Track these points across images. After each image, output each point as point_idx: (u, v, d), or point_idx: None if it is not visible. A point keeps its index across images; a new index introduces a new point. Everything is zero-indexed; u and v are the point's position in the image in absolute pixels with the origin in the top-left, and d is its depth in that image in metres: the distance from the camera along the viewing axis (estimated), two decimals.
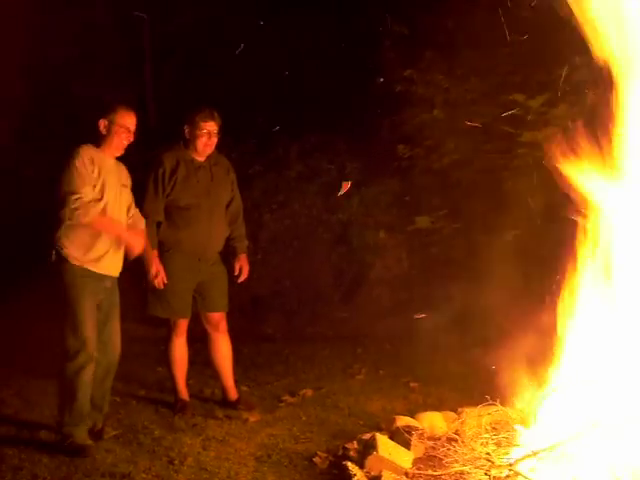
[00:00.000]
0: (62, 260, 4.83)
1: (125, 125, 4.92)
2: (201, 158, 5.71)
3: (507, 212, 7.56)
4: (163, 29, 11.04)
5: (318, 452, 4.82)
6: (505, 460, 4.28)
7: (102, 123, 4.90)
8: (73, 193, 4.72)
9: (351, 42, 9.46)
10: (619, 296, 4.45)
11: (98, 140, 4.92)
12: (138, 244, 5.05)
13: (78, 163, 4.76)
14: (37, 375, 6.46)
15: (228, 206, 5.90)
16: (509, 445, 4.53)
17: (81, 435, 4.82)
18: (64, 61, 10.33)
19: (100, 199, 4.84)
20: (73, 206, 4.71)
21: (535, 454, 4.16)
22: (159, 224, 5.64)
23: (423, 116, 8.68)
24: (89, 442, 4.84)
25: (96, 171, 4.83)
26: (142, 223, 5.29)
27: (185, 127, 5.64)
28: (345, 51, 9.50)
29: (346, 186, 5.22)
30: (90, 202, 4.76)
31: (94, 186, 4.82)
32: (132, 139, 4.99)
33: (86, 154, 4.82)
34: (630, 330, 4.36)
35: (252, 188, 9.26)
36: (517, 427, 4.71)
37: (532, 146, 7.72)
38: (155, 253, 5.56)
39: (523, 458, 4.19)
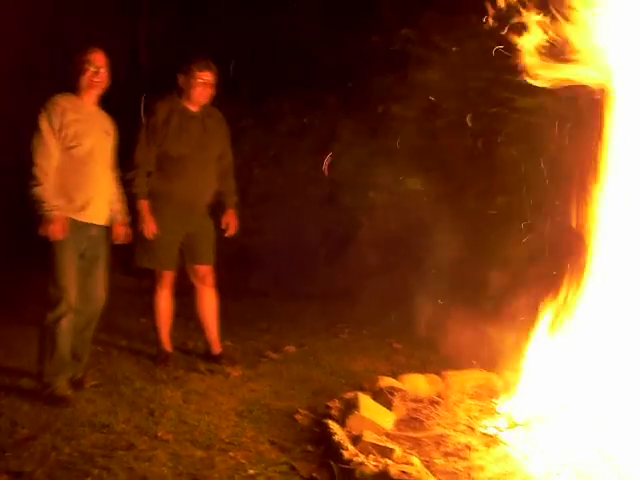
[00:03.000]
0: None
1: (86, 60, 4.86)
2: (195, 108, 5.66)
3: (499, 177, 7.52)
4: None
5: (299, 409, 4.82)
6: (486, 427, 4.30)
7: (70, 67, 4.89)
8: (35, 163, 4.72)
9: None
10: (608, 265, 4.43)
11: (74, 88, 4.90)
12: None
13: (43, 124, 4.74)
14: (21, 323, 6.43)
15: (219, 160, 5.85)
16: (492, 413, 4.54)
17: (61, 385, 4.82)
18: (56, 10, 10.13)
19: (77, 145, 4.81)
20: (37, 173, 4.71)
21: (516, 425, 4.17)
22: (149, 174, 5.59)
23: (418, 76, 8.57)
24: (69, 393, 4.83)
25: (69, 118, 4.79)
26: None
27: (180, 76, 5.59)
28: (342, 8, 9.34)
29: (328, 162, 5.25)
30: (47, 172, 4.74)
31: (65, 136, 4.78)
32: (103, 77, 4.92)
33: (55, 106, 4.80)
34: (624, 301, 4.34)
35: (243, 142, 9.16)
36: (501, 395, 4.72)
37: (528, 112, 7.65)
38: (146, 203, 5.52)
39: (505, 428, 4.20)
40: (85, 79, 4.86)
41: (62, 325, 4.80)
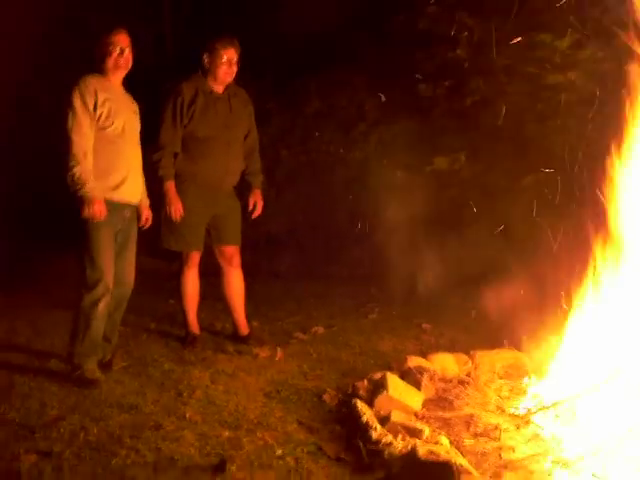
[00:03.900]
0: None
1: (111, 42, 4.81)
2: (220, 88, 5.62)
3: (528, 156, 7.42)
4: None
5: (327, 389, 4.80)
6: (516, 408, 4.26)
7: (95, 49, 4.85)
8: (72, 141, 4.66)
9: None
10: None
11: (100, 70, 4.86)
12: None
13: (77, 103, 4.69)
14: (49, 305, 6.48)
15: (245, 139, 5.82)
16: (522, 393, 4.49)
17: (91, 367, 4.82)
18: None
19: (111, 125, 4.79)
20: (75, 151, 4.66)
21: (548, 407, 4.11)
22: (176, 155, 5.57)
23: (445, 55, 8.48)
24: (98, 375, 4.82)
25: (101, 98, 4.76)
26: None
27: (204, 56, 5.55)
28: None
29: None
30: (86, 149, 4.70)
31: (99, 115, 4.75)
32: (127, 58, 4.88)
33: (88, 86, 4.75)
34: None
35: (269, 124, 9.12)
36: (531, 375, 4.67)
37: (556, 89, 7.53)
38: (172, 184, 5.51)
39: (536, 410, 4.15)
40: (111, 61, 4.83)
41: (99, 308, 4.78)
